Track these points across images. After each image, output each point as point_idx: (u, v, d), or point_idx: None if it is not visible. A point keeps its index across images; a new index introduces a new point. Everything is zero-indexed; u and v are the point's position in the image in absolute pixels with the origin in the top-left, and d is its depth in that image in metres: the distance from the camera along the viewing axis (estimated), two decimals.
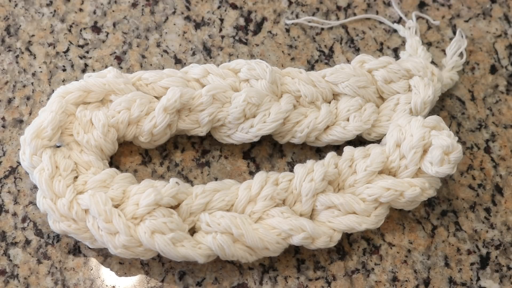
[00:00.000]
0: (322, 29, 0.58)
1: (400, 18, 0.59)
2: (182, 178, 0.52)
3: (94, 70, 0.55)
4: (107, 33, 0.57)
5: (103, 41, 0.56)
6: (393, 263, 0.50)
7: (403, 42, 0.58)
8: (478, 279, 0.50)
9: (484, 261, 0.51)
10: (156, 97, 0.50)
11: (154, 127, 0.49)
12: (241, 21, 0.58)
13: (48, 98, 0.53)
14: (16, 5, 0.57)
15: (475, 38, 0.59)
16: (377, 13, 0.59)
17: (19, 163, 0.51)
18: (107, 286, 0.48)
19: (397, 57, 0.58)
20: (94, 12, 0.57)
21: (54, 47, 0.56)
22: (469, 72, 0.58)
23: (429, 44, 0.58)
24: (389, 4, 0.60)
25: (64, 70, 0.55)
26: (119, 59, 0.56)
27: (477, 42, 0.59)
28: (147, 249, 0.46)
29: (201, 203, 0.47)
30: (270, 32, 0.58)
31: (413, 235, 0.51)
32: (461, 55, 0.57)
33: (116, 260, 0.49)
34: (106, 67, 0.55)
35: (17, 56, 0.55)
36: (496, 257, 0.51)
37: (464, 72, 0.58)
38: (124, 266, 0.49)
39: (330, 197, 0.48)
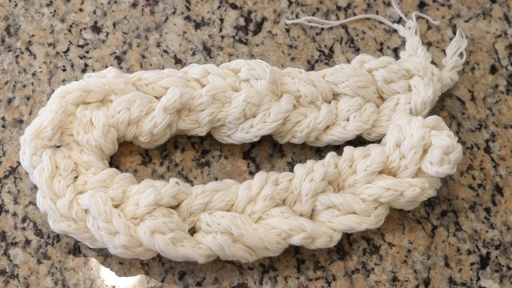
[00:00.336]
0: (322, 29, 0.58)
1: (400, 18, 0.59)
2: (182, 178, 0.52)
3: (94, 70, 0.55)
4: (107, 33, 0.57)
5: (103, 41, 0.56)
6: (393, 263, 0.50)
7: (403, 42, 0.58)
8: (478, 279, 0.50)
9: (484, 261, 0.51)
10: (156, 97, 0.50)
11: (154, 127, 0.49)
12: (241, 21, 0.58)
13: (48, 98, 0.53)
14: (16, 5, 0.57)
15: (475, 38, 0.59)
16: (377, 13, 0.59)
17: (19, 163, 0.51)
18: (107, 286, 0.48)
19: (397, 57, 0.58)
20: (94, 12, 0.57)
21: (54, 47, 0.56)
22: (469, 72, 0.58)
23: (429, 44, 0.58)
24: (389, 4, 0.60)
25: (64, 70, 0.55)
26: (119, 59, 0.56)
27: (477, 42, 0.59)
28: (147, 249, 0.46)
29: (201, 203, 0.47)
30: (270, 32, 0.58)
31: (413, 235, 0.51)
32: (461, 55, 0.57)
33: (116, 260, 0.49)
34: (106, 67, 0.55)
35: (17, 56, 0.55)
36: (496, 257, 0.51)
37: (464, 72, 0.58)
38: (124, 266, 0.49)
39: (330, 197, 0.48)
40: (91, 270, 0.48)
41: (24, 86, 0.54)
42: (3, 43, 0.55)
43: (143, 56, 0.56)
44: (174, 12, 0.58)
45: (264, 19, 0.58)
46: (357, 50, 0.58)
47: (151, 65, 0.56)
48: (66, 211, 0.46)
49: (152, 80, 0.50)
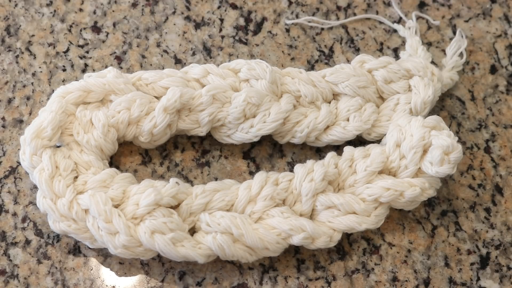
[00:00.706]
0: (322, 29, 0.58)
1: (400, 18, 0.59)
2: (182, 178, 0.52)
3: (94, 70, 0.55)
4: (107, 33, 0.57)
5: (103, 41, 0.56)
6: (393, 263, 0.50)
7: (403, 42, 0.58)
8: (478, 279, 0.50)
9: (484, 261, 0.51)
10: (156, 97, 0.50)
11: (154, 127, 0.49)
12: (241, 21, 0.58)
13: (48, 98, 0.53)
14: (16, 5, 0.57)
15: (475, 38, 0.59)
16: (377, 13, 0.59)
17: (19, 163, 0.51)
18: (107, 286, 0.48)
19: (397, 57, 0.58)
20: (94, 12, 0.57)
21: (54, 47, 0.56)
22: (469, 72, 0.58)
23: (429, 44, 0.58)
24: (389, 4, 0.60)
25: (64, 70, 0.55)
26: (119, 59, 0.56)
27: (477, 42, 0.59)
28: (147, 249, 0.46)
29: (201, 203, 0.47)
30: (270, 32, 0.58)
31: (413, 235, 0.51)
32: (461, 55, 0.57)
33: (116, 260, 0.49)
34: (106, 67, 0.55)
35: (17, 56, 0.55)
36: (496, 257, 0.51)
37: (464, 72, 0.58)
38: (124, 266, 0.49)
39: (330, 197, 0.48)
40: (91, 270, 0.48)
41: (24, 86, 0.54)
42: (3, 43, 0.55)
43: (143, 56, 0.56)
44: (174, 12, 0.58)
45: (264, 19, 0.58)
46: (357, 50, 0.58)
47: (151, 65, 0.56)
48: (66, 211, 0.46)
49: (152, 80, 0.50)
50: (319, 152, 0.53)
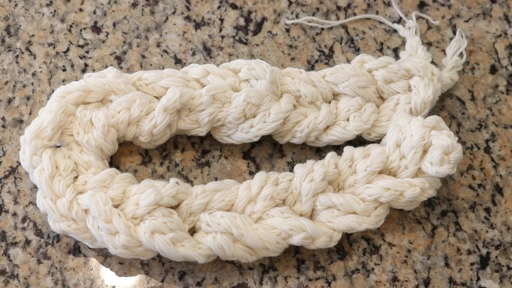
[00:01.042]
0: (322, 29, 0.58)
1: (400, 18, 0.59)
2: (182, 178, 0.52)
3: (94, 70, 0.55)
4: (107, 33, 0.57)
5: (103, 41, 0.56)
6: (393, 263, 0.50)
7: (403, 42, 0.58)
8: (478, 279, 0.50)
9: (484, 261, 0.51)
10: (156, 97, 0.50)
11: (154, 127, 0.49)
12: (241, 21, 0.58)
13: (48, 98, 0.53)
14: (16, 5, 0.57)
15: (475, 38, 0.59)
16: (377, 13, 0.59)
17: (19, 163, 0.51)
18: (107, 286, 0.48)
19: (397, 57, 0.58)
20: (94, 12, 0.57)
21: (54, 47, 0.56)
22: (469, 72, 0.58)
23: (429, 44, 0.58)
24: (389, 4, 0.60)
25: (64, 70, 0.55)
26: (119, 59, 0.56)
27: (477, 42, 0.59)
28: (147, 249, 0.46)
29: (201, 203, 0.47)
30: (270, 32, 0.58)
31: (413, 235, 0.51)
32: (461, 55, 0.57)
33: (116, 260, 0.49)
34: (106, 67, 0.55)
35: (17, 56, 0.55)
36: (496, 257, 0.51)
37: (464, 72, 0.58)
38: (124, 266, 0.49)
39: (330, 197, 0.48)
40: (91, 270, 0.48)
41: (24, 86, 0.54)
42: (3, 43, 0.55)
43: (143, 56, 0.56)
44: (174, 12, 0.58)
45: (264, 19, 0.58)
46: (357, 50, 0.58)
47: (151, 65, 0.56)
48: (66, 211, 0.46)
49: (152, 80, 0.50)
50: (319, 152, 0.53)
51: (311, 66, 0.57)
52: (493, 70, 0.58)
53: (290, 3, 0.59)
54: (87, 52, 0.56)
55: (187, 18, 0.58)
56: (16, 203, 0.50)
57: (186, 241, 0.46)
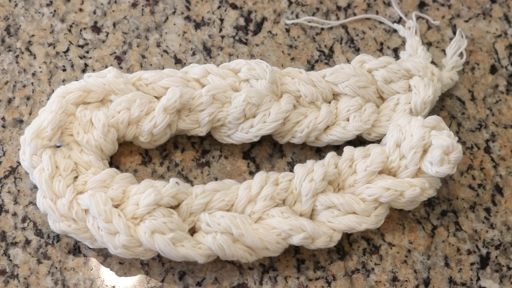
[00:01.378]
0: (322, 29, 0.58)
1: (400, 18, 0.59)
2: (182, 178, 0.52)
3: (94, 70, 0.55)
4: (107, 33, 0.57)
5: (103, 41, 0.56)
6: (393, 263, 0.50)
7: (403, 42, 0.58)
8: (478, 279, 0.50)
9: (484, 261, 0.51)
10: (156, 97, 0.50)
11: (154, 127, 0.49)
12: (241, 21, 0.58)
13: (48, 98, 0.53)
14: (16, 5, 0.57)
15: (475, 38, 0.59)
16: (377, 13, 0.59)
17: (19, 163, 0.51)
18: (107, 286, 0.48)
19: (397, 57, 0.58)
20: (94, 12, 0.57)
21: (54, 47, 0.56)
22: (469, 72, 0.58)
23: (429, 44, 0.58)
24: (389, 4, 0.60)
25: (64, 70, 0.55)
26: (119, 59, 0.56)
27: (477, 42, 0.59)
28: (147, 249, 0.46)
29: (201, 203, 0.47)
30: (270, 32, 0.58)
31: (413, 235, 0.51)
32: (461, 55, 0.57)
33: (116, 260, 0.49)
34: (106, 67, 0.55)
35: (17, 56, 0.55)
36: (496, 257, 0.51)
37: (464, 72, 0.58)
38: (124, 266, 0.49)
39: (330, 197, 0.48)
40: (91, 270, 0.48)
41: (24, 86, 0.54)
42: (3, 43, 0.55)
43: (143, 56, 0.56)
44: (174, 12, 0.58)
45: (264, 19, 0.58)
46: (357, 50, 0.58)
47: (151, 65, 0.56)
48: (66, 211, 0.46)
49: (152, 80, 0.50)
50: (319, 152, 0.53)
51: (311, 66, 0.57)
52: (493, 70, 0.58)
53: (290, 3, 0.59)
54: (87, 52, 0.56)
55: (187, 18, 0.58)
56: (16, 203, 0.50)
57: (186, 241, 0.46)
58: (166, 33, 0.57)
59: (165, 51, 0.56)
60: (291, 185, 0.48)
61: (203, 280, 0.49)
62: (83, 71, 0.55)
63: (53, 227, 0.47)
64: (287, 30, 0.58)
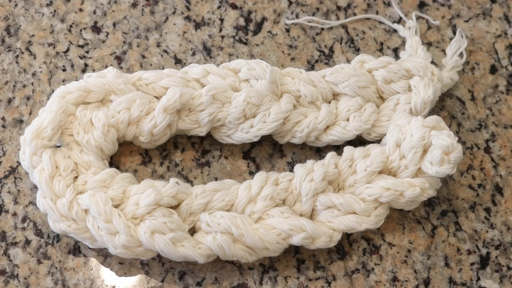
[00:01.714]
0: (322, 29, 0.58)
1: (400, 18, 0.59)
2: (182, 178, 0.52)
3: (94, 70, 0.55)
4: (107, 33, 0.57)
5: (103, 41, 0.56)
6: (393, 263, 0.50)
7: (403, 42, 0.58)
8: (478, 279, 0.50)
9: (484, 261, 0.51)
10: (156, 97, 0.50)
11: (154, 127, 0.49)
12: (241, 21, 0.58)
13: (48, 98, 0.53)
14: (16, 5, 0.57)
15: (475, 38, 0.59)
16: (377, 13, 0.59)
17: (19, 163, 0.51)
18: (107, 286, 0.48)
19: (397, 57, 0.58)
20: (94, 12, 0.57)
21: (54, 47, 0.56)
22: (469, 72, 0.58)
23: (429, 44, 0.58)
24: (389, 4, 0.60)
25: (64, 70, 0.55)
26: (119, 59, 0.56)
27: (477, 42, 0.59)
28: (147, 249, 0.46)
29: (201, 203, 0.47)
30: (270, 32, 0.58)
31: (413, 235, 0.51)
32: (461, 55, 0.57)
33: (116, 260, 0.49)
34: (106, 67, 0.55)
35: (17, 56, 0.55)
36: (496, 257, 0.51)
37: (464, 72, 0.58)
38: (124, 266, 0.49)
39: (330, 197, 0.48)
40: (91, 270, 0.48)
41: (24, 86, 0.54)
42: (3, 43, 0.55)
43: (143, 56, 0.56)
44: (174, 12, 0.58)
45: (264, 19, 0.58)
46: (357, 50, 0.58)
47: (151, 65, 0.56)
48: (66, 211, 0.46)
49: (152, 80, 0.50)
50: (319, 152, 0.53)
51: (311, 66, 0.57)
52: (493, 70, 0.58)
53: (290, 3, 0.59)
54: (87, 52, 0.56)
55: (187, 18, 0.58)
56: (16, 203, 0.50)
57: (186, 241, 0.46)
58: (166, 33, 0.57)
59: (165, 51, 0.56)
60: (291, 185, 0.48)
61: (203, 280, 0.49)
62: (83, 71, 0.55)
63: (53, 227, 0.47)
64: (287, 30, 0.58)
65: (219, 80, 0.51)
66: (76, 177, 0.48)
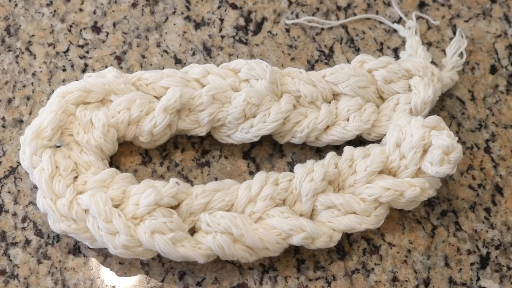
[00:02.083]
0: (322, 29, 0.58)
1: (400, 18, 0.59)
2: (182, 178, 0.52)
3: (94, 70, 0.55)
4: (107, 33, 0.57)
5: (103, 41, 0.56)
6: (393, 263, 0.50)
7: (403, 42, 0.58)
8: (478, 279, 0.50)
9: (484, 261, 0.51)
10: (156, 97, 0.50)
11: (154, 127, 0.49)
12: (241, 21, 0.58)
13: (48, 98, 0.53)
14: (16, 5, 0.57)
15: (475, 38, 0.59)
16: (377, 13, 0.59)
17: (19, 163, 0.51)
18: (107, 286, 0.48)
19: (397, 57, 0.58)
20: (94, 12, 0.57)
21: (54, 47, 0.56)
22: (469, 72, 0.58)
23: (429, 44, 0.58)
24: (389, 4, 0.60)
25: (64, 70, 0.55)
26: (119, 59, 0.56)
27: (477, 42, 0.59)
28: (147, 249, 0.46)
29: (201, 203, 0.47)
30: (270, 32, 0.58)
31: (413, 235, 0.51)
32: (461, 55, 0.57)
33: (116, 260, 0.49)
34: (106, 67, 0.55)
35: (17, 56, 0.55)
36: (496, 257, 0.51)
37: (464, 72, 0.58)
38: (124, 266, 0.49)
39: (330, 197, 0.48)
40: (91, 270, 0.48)
41: (24, 86, 0.54)
42: (3, 43, 0.55)
43: (143, 56, 0.56)
44: (174, 12, 0.58)
45: (264, 19, 0.58)
46: (357, 50, 0.58)
47: (151, 65, 0.56)
48: (66, 211, 0.46)
49: (152, 80, 0.50)
50: (319, 152, 0.53)
51: (311, 66, 0.57)
52: (493, 70, 0.58)
53: (290, 3, 0.59)
54: (87, 52, 0.56)
55: (187, 18, 0.58)
56: (16, 203, 0.50)
57: (186, 241, 0.46)
58: (166, 33, 0.57)
59: (165, 51, 0.56)
60: (291, 185, 0.48)
61: (203, 280, 0.49)
62: (83, 71, 0.55)
63: (53, 227, 0.47)
64: (287, 30, 0.58)
65: (219, 80, 0.51)
66: (76, 177, 0.48)
